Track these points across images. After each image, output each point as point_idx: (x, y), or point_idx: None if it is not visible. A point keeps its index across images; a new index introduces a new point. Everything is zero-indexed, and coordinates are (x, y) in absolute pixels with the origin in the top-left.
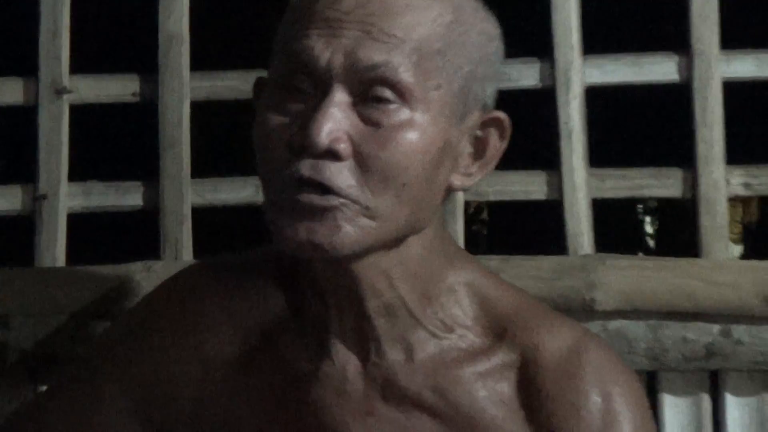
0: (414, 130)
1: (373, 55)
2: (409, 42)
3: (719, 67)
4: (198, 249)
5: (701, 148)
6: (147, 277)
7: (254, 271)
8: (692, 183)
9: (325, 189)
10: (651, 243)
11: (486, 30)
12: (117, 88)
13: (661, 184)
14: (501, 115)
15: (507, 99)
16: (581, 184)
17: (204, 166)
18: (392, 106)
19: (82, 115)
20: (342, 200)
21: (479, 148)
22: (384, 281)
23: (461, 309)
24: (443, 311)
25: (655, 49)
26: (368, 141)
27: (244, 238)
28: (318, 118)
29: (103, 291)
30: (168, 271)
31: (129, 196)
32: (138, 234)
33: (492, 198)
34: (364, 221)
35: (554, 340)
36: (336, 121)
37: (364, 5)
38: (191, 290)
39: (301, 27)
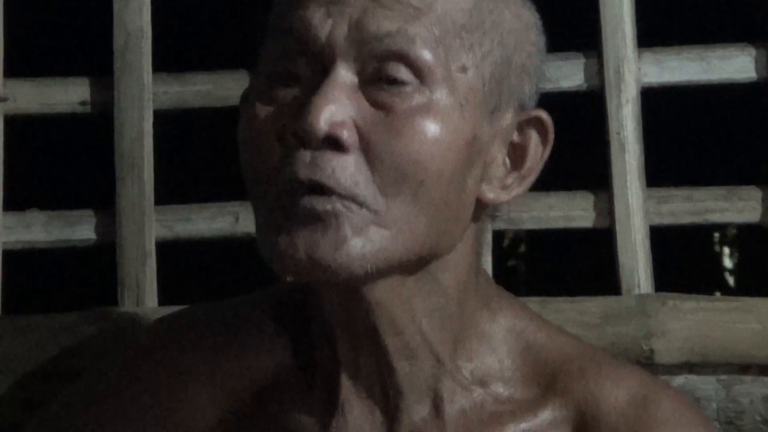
0: (435, 116)
1: (384, 23)
2: (429, 12)
3: None
4: (164, 292)
5: None
6: (101, 327)
7: (248, 319)
8: None
9: (327, 189)
10: (731, 280)
11: (522, 14)
12: (63, 95)
13: (734, 206)
14: (542, 114)
15: (545, 103)
16: (637, 208)
17: (171, 191)
18: (408, 88)
19: (19, 128)
20: (347, 203)
21: (516, 156)
22: (405, 315)
23: (497, 359)
24: (476, 360)
25: (725, 41)
26: (378, 128)
27: (220, 278)
28: (315, 100)
29: (48, 345)
30: (127, 320)
31: (79, 229)
32: (90, 275)
33: (528, 226)
34: (375, 230)
35: (617, 391)
36: (338, 103)
37: None
38: (165, 347)
39: (291, 3)
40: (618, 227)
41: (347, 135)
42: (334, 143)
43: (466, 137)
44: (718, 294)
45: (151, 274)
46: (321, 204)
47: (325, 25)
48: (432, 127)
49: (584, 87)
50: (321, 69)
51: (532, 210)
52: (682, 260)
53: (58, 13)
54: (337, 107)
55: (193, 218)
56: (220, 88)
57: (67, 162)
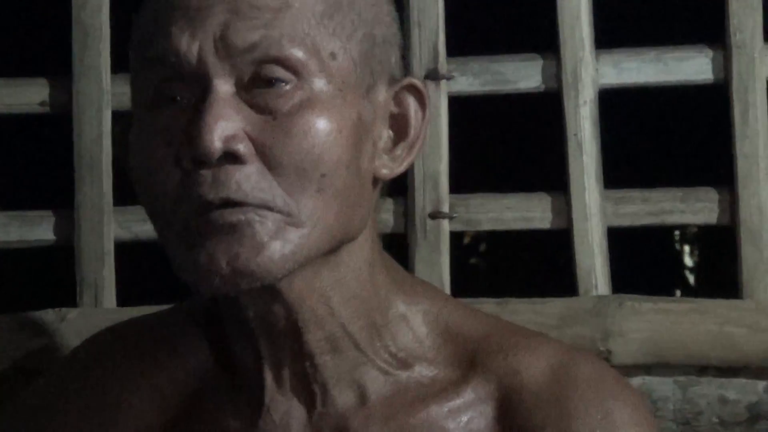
0: (319, 108)
1: (247, 34)
2: (288, 9)
3: (764, 64)
4: (123, 293)
5: (742, 164)
6: (60, 328)
7: (176, 326)
8: (731, 207)
9: (237, 203)
10: (691, 278)
11: None
12: (22, 95)
13: (691, 208)
14: (415, 81)
15: (503, 105)
16: (594, 210)
17: (129, 192)
18: (287, 86)
19: None
20: (258, 210)
21: (399, 126)
22: (323, 307)
23: (417, 339)
24: (395, 344)
25: (682, 42)
26: (270, 133)
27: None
28: (204, 120)
29: (7, 345)
30: (86, 321)
31: (37, 229)
32: (48, 275)
33: (485, 227)
34: (290, 230)
35: (536, 361)
36: (226, 118)
37: None
38: (96, 359)
39: (159, 25)
40: (575, 228)
41: (242, 147)
42: (231, 157)
43: (352, 120)
44: (678, 292)
45: (109, 275)
46: (234, 216)
47: (192, 47)
48: (319, 120)
49: (542, 88)
50: (199, 88)
51: (489, 211)
52: (642, 258)
53: (17, 13)
54: (226, 122)
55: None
56: None
57: (26, 162)
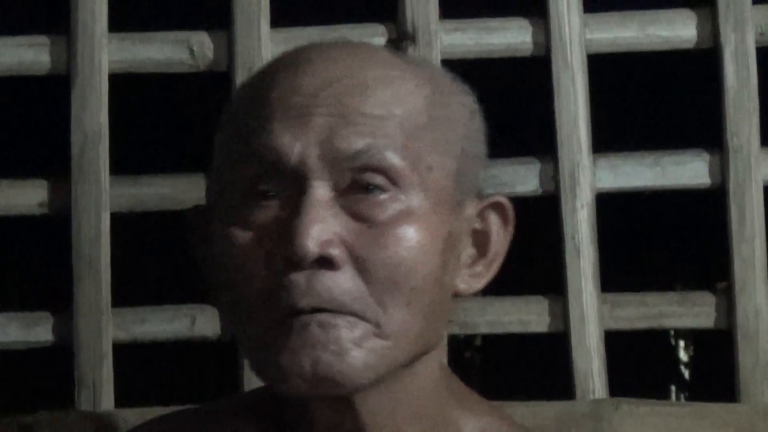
0: (415, 221)
1: (354, 141)
2: (391, 119)
3: (761, 168)
4: (121, 395)
5: (739, 268)
6: (58, 429)
7: (223, 423)
8: (728, 311)
9: (328, 310)
10: (686, 373)
11: (467, 103)
12: (20, 197)
13: (689, 312)
14: (501, 199)
15: None
16: (591, 314)
17: (128, 294)
18: (385, 196)
19: None
20: (347, 317)
21: (480, 243)
22: (391, 422)
23: None
24: None
25: (680, 146)
26: (365, 241)
27: (177, 380)
28: (301, 221)
29: None
30: (83, 424)
31: (36, 330)
32: (45, 376)
33: (482, 330)
34: (376, 342)
35: None
36: (323, 222)
37: (331, 83)
38: None
39: (259, 121)
40: (572, 332)
41: (338, 252)
42: (325, 262)
43: (443, 236)
44: (673, 387)
45: (108, 376)
46: (322, 320)
47: (294, 148)
48: (414, 234)
49: (539, 191)
50: (296, 189)
51: (486, 314)
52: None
53: (16, 114)
54: (323, 226)
55: (150, 320)
56: (177, 191)
57: (25, 263)
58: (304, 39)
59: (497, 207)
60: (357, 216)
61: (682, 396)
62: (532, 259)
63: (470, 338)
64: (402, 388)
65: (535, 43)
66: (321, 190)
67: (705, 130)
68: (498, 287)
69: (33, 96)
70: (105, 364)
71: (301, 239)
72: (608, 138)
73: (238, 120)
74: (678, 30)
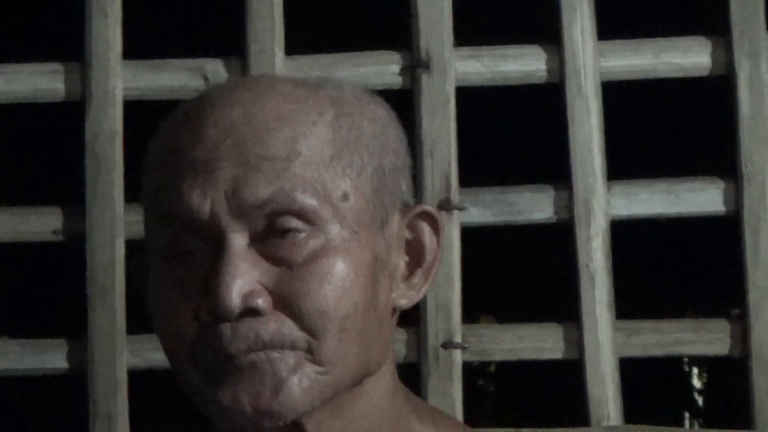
0: (335, 254)
1: (260, 189)
2: (296, 158)
3: None
4: (136, 423)
5: (753, 295)
6: None
7: None
8: (742, 338)
9: (260, 348)
10: (699, 400)
11: (377, 115)
12: (35, 223)
13: (703, 339)
14: (427, 207)
15: (516, 235)
16: (606, 341)
17: (143, 320)
18: (301, 236)
19: None
20: (278, 350)
21: (414, 253)
22: None
23: None
24: None
25: (694, 174)
26: (287, 284)
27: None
28: (223, 278)
29: None
30: None
31: (51, 357)
32: (60, 404)
33: (498, 357)
34: (312, 368)
35: None
36: (243, 274)
37: (231, 132)
38: None
39: (168, 180)
40: (587, 359)
41: (261, 301)
42: (250, 312)
43: (368, 261)
44: (686, 414)
45: (122, 403)
46: (254, 356)
47: (204, 205)
48: (336, 266)
49: (554, 219)
50: (214, 242)
51: (502, 342)
52: (651, 381)
53: (31, 144)
54: (244, 278)
55: None
56: None
57: (40, 290)
58: (318, 66)
59: (425, 215)
60: (276, 260)
61: (695, 423)
62: (547, 286)
63: (484, 365)
64: (353, 408)
65: (549, 70)
66: (237, 242)
67: (719, 158)
68: (513, 314)
69: (47, 123)
70: (119, 392)
71: (223, 297)
72: (622, 165)
73: (151, 177)
74: (692, 57)
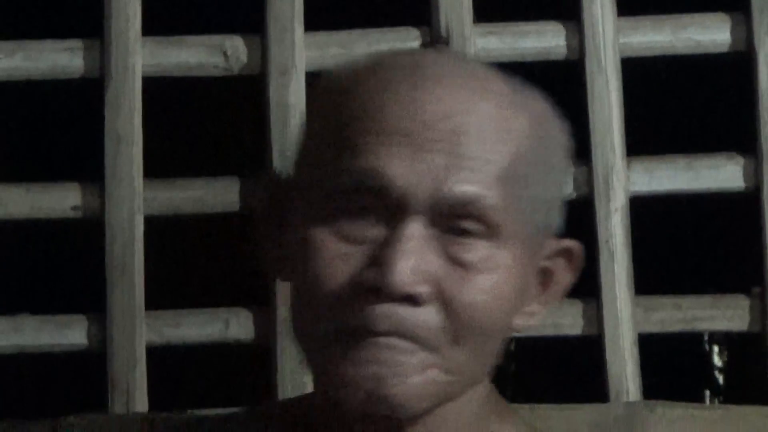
0: (502, 271)
1: (466, 186)
2: (497, 164)
3: None
4: (154, 398)
5: None
6: None
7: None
8: (762, 313)
9: (403, 336)
10: (720, 378)
11: (563, 143)
12: (53, 200)
13: (723, 315)
14: (573, 244)
15: None
16: (625, 317)
17: (161, 296)
18: (479, 243)
19: (10, 234)
20: (417, 346)
21: (544, 280)
22: None
23: None
24: None
25: (714, 150)
26: (452, 281)
27: (211, 384)
28: (398, 254)
29: None
30: (116, 427)
31: (69, 333)
32: (79, 380)
33: (515, 333)
34: (438, 374)
35: None
36: (417, 259)
37: (450, 116)
38: None
39: (367, 139)
40: (606, 335)
41: (425, 290)
42: (411, 298)
43: (520, 285)
44: (707, 392)
45: (141, 379)
46: (392, 343)
47: (407, 177)
48: (498, 282)
49: (573, 195)
50: (393, 216)
51: None
52: (671, 359)
53: (50, 119)
54: (416, 263)
55: (183, 324)
56: (211, 194)
57: (58, 267)
58: (338, 43)
59: (566, 252)
60: (448, 256)
61: (716, 401)
62: None
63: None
64: (448, 411)
65: (568, 46)
66: (419, 225)
67: (739, 134)
68: None
69: (67, 99)
70: (138, 368)
71: (393, 274)
72: (642, 141)
73: (341, 124)
74: (712, 34)
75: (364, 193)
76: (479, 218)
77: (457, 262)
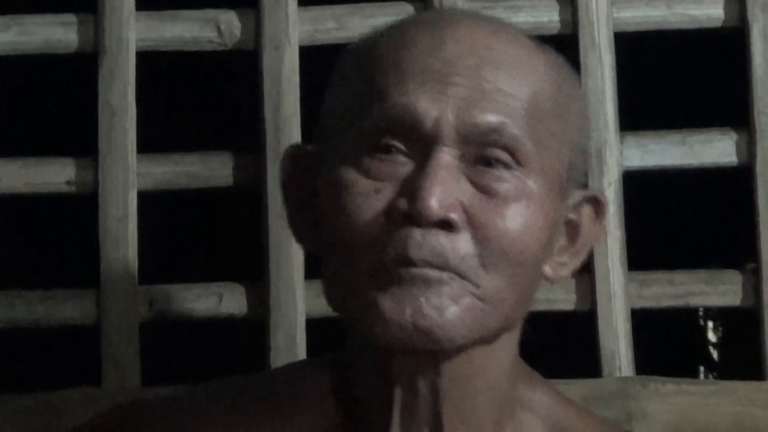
0: (532, 201)
1: (489, 116)
2: (522, 99)
3: None
4: (147, 373)
5: (765, 247)
6: (83, 408)
7: (292, 385)
8: (755, 289)
9: (436, 266)
10: (715, 354)
11: (582, 96)
12: (47, 175)
13: (716, 290)
14: (598, 194)
15: None
16: (618, 292)
17: (155, 271)
18: (508, 173)
19: (4, 208)
20: (452, 274)
21: (571, 234)
22: (464, 393)
23: (536, 427)
24: (516, 428)
25: (707, 125)
26: (484, 209)
27: (203, 358)
28: (428, 181)
29: (33, 425)
30: (110, 401)
31: (63, 308)
32: (72, 354)
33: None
34: (474, 302)
35: None
36: (448, 185)
37: (471, 53)
38: (209, 414)
39: (394, 79)
40: (599, 310)
41: (458, 216)
42: (444, 224)
43: (552, 220)
44: (701, 368)
45: (134, 354)
46: (429, 275)
47: (431, 112)
48: (531, 212)
49: None
50: (423, 150)
51: None
52: (665, 335)
53: (44, 93)
54: (447, 190)
55: (177, 297)
56: (205, 169)
57: (52, 241)
58: (332, 17)
59: (593, 200)
60: (478, 186)
61: (710, 377)
62: None
63: None
64: (483, 359)
65: (562, 21)
66: (448, 156)
67: (732, 109)
68: None
69: (60, 74)
70: (132, 343)
71: (426, 199)
72: (635, 116)
73: (368, 72)
74: (705, 8)
75: (395, 131)
76: (505, 147)
77: (487, 192)
